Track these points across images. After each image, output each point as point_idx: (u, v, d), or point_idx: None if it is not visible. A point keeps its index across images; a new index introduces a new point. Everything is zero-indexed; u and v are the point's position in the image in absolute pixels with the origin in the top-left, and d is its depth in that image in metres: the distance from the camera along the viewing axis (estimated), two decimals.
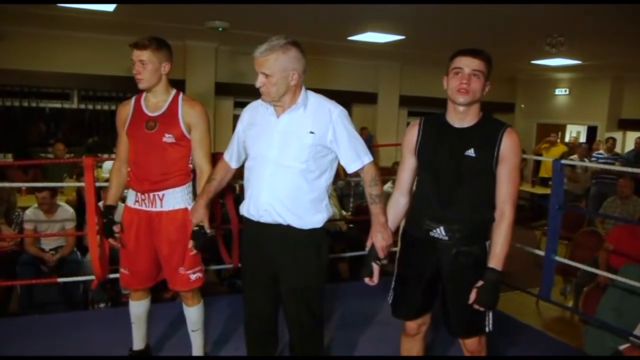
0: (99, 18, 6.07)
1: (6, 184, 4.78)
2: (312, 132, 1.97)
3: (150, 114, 2.30)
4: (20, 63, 7.14)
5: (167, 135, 2.26)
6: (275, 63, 1.91)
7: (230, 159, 2.23)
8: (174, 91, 2.34)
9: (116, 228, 2.38)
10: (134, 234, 2.36)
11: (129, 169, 2.36)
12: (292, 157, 1.98)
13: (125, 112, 2.37)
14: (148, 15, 5.97)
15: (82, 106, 7.98)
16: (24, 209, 4.46)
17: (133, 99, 2.39)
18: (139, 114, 2.32)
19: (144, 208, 2.33)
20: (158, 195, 2.30)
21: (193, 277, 2.39)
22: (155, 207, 2.31)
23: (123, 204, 2.49)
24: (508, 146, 1.93)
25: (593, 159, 7.93)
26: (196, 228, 2.23)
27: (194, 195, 2.38)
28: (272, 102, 2.00)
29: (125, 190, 2.47)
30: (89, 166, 2.99)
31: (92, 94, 7.90)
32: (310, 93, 2.05)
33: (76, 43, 7.39)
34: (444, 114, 2.06)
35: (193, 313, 2.50)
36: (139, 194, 2.33)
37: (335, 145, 2.01)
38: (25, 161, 6.48)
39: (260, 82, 1.95)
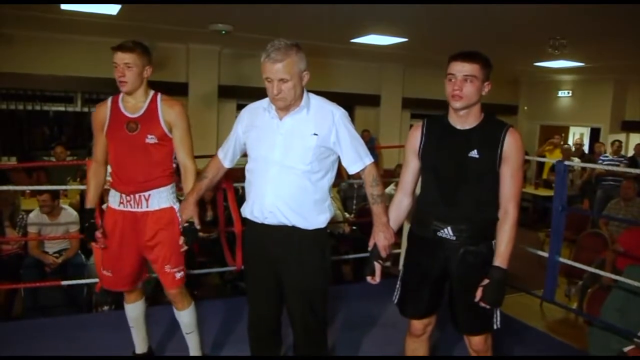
0: (102, 21, 6.08)
1: (11, 187, 4.79)
2: (316, 134, 1.98)
3: (130, 116, 2.27)
4: (24, 66, 7.17)
5: (149, 136, 2.24)
6: (293, 66, 1.90)
7: (224, 158, 2.23)
8: (152, 92, 2.32)
9: (98, 233, 2.34)
10: (118, 236, 2.34)
11: (111, 171, 2.34)
12: (296, 158, 1.98)
13: (102, 114, 2.33)
14: (151, 18, 5.99)
15: (86, 109, 7.99)
16: (28, 212, 4.46)
17: (109, 101, 2.35)
18: (118, 115, 2.29)
19: (129, 209, 2.30)
20: (144, 195, 2.28)
21: (178, 275, 2.37)
22: (141, 207, 2.29)
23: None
24: (511, 145, 1.95)
25: (599, 161, 7.92)
26: (186, 224, 2.24)
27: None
28: (286, 106, 1.97)
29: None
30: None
31: (96, 96, 7.87)
32: (312, 95, 2.06)
33: (79, 46, 7.41)
34: (446, 115, 2.07)
35: (185, 316, 2.48)
36: (123, 196, 2.30)
37: (337, 147, 2.02)
38: (29, 164, 6.49)
39: (277, 89, 1.90)
